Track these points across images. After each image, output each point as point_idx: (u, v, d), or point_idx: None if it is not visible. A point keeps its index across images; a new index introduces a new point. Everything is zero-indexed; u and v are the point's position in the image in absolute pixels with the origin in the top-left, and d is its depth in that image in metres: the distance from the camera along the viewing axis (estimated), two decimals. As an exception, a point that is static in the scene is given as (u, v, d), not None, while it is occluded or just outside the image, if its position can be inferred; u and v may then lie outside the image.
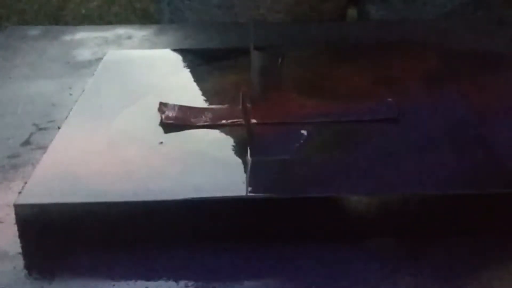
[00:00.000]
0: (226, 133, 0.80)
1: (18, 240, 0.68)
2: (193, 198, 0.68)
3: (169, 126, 0.81)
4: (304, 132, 0.79)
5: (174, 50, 1.09)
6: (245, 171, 0.72)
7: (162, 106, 0.85)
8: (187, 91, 0.91)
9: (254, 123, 0.80)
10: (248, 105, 0.82)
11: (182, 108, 0.85)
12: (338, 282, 0.63)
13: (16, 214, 0.68)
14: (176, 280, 0.64)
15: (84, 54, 1.11)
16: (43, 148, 0.81)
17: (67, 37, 1.18)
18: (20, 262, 0.67)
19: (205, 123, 0.82)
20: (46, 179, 0.72)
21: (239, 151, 0.76)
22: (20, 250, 0.68)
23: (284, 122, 0.81)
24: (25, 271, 0.66)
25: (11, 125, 0.90)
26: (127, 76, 0.96)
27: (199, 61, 1.02)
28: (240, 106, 0.80)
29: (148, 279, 0.64)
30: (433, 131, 0.79)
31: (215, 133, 0.80)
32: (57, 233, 0.68)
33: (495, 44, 1.08)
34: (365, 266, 0.65)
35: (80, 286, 0.64)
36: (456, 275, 0.64)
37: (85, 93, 0.91)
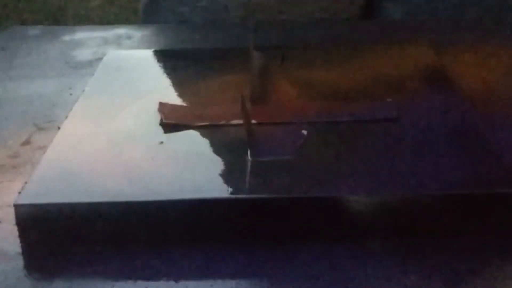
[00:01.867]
0: (226, 133, 0.80)
1: (18, 240, 0.68)
2: (193, 198, 0.68)
3: (169, 126, 0.81)
4: (304, 132, 0.79)
5: (174, 50, 1.09)
6: (245, 171, 0.72)
7: (162, 106, 0.85)
8: (187, 91, 0.91)
9: (254, 123, 0.80)
10: (248, 105, 0.82)
11: (182, 108, 0.85)
12: (338, 282, 0.63)
13: (16, 214, 0.68)
14: (176, 280, 0.64)
15: (84, 54, 1.11)
16: (43, 148, 0.81)
17: (67, 37, 1.18)
18: (20, 262, 0.67)
19: (205, 123, 0.82)
20: (46, 179, 0.72)
21: (239, 151, 0.76)
22: (20, 250, 0.68)
23: (284, 122, 0.81)
24: (25, 271, 0.66)
25: (11, 125, 0.90)
26: (127, 76, 0.96)
27: (199, 61, 1.02)
28: (240, 106, 0.80)
29: (148, 279, 0.64)
30: (433, 131, 0.79)
31: (215, 133, 0.80)
32: (57, 233, 0.68)
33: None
34: (365, 266, 0.65)
35: (80, 286, 0.64)
36: (457, 276, 0.64)
37: (85, 93, 0.91)
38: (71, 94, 0.97)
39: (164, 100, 0.86)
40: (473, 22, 1.19)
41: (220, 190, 0.70)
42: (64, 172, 0.73)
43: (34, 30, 1.23)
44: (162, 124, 0.82)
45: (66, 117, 0.85)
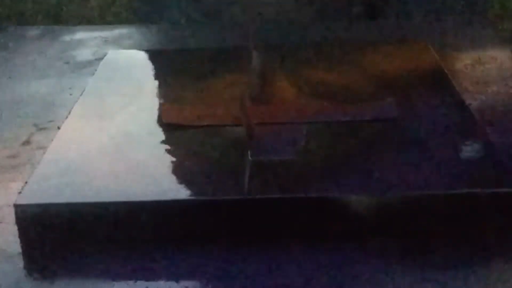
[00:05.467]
0: (226, 133, 0.80)
1: (18, 240, 0.68)
2: (193, 198, 0.68)
3: (169, 126, 0.81)
4: (304, 132, 0.79)
5: (174, 50, 1.09)
6: (245, 171, 0.72)
7: (163, 106, 0.84)
8: (187, 91, 0.91)
9: (254, 123, 0.80)
10: (248, 105, 0.82)
11: (182, 108, 0.84)
12: (338, 281, 0.63)
13: (16, 214, 0.68)
14: (176, 280, 0.64)
15: (84, 54, 1.11)
16: (43, 148, 0.81)
17: (67, 37, 1.18)
18: (20, 262, 0.67)
19: (205, 123, 0.82)
20: (46, 179, 0.72)
21: (239, 151, 0.76)
22: (20, 250, 0.68)
23: (284, 122, 0.81)
24: (25, 271, 0.66)
25: (11, 125, 0.90)
26: (127, 76, 0.96)
27: (199, 61, 1.01)
28: (240, 106, 0.80)
29: (148, 279, 0.64)
30: (433, 131, 0.79)
31: (215, 133, 0.80)
32: (57, 233, 0.68)
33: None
34: (365, 266, 0.65)
35: (80, 286, 0.64)
36: (457, 275, 0.64)
37: (85, 93, 0.91)
38: (71, 94, 0.97)
39: (164, 100, 0.86)
40: (472, 22, 1.19)
41: (220, 190, 0.70)
42: (64, 172, 0.73)
43: (34, 30, 1.23)
44: (162, 124, 0.82)
45: (66, 117, 0.85)
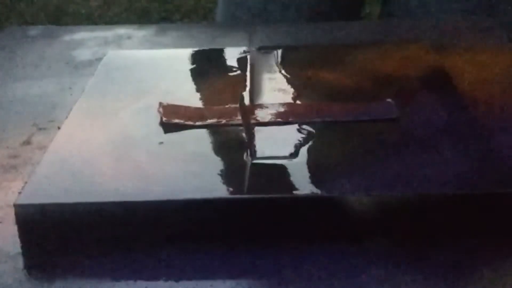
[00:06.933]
0: (226, 133, 0.80)
1: (18, 240, 0.68)
2: (193, 198, 0.68)
3: (169, 126, 0.81)
4: (304, 132, 0.79)
5: (174, 50, 1.09)
6: (245, 171, 0.72)
7: (162, 106, 0.85)
8: (187, 91, 0.91)
9: (254, 123, 0.80)
10: (247, 105, 0.82)
11: (182, 108, 0.85)
12: (337, 282, 0.63)
13: (16, 214, 0.68)
14: (176, 280, 0.64)
15: (84, 54, 1.11)
16: (43, 148, 0.81)
17: (67, 37, 1.18)
18: (20, 262, 0.67)
19: (205, 123, 0.82)
20: (46, 179, 0.72)
21: (239, 151, 0.76)
22: (20, 250, 0.68)
23: (284, 122, 0.81)
24: (25, 271, 0.66)
25: (11, 125, 0.90)
26: (127, 76, 0.96)
27: (199, 61, 1.02)
28: (239, 106, 0.81)
29: (148, 279, 0.64)
30: (433, 131, 0.79)
31: (215, 133, 0.80)
32: (57, 233, 0.68)
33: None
34: (365, 267, 0.65)
35: (80, 286, 0.64)
36: (457, 276, 0.64)
37: (85, 93, 0.91)
38: (71, 94, 0.97)
39: (164, 100, 0.86)
40: (472, 22, 1.19)
41: (220, 190, 0.70)
42: (64, 172, 0.73)
43: (34, 30, 1.23)
44: (162, 124, 0.82)
45: (66, 117, 0.85)
